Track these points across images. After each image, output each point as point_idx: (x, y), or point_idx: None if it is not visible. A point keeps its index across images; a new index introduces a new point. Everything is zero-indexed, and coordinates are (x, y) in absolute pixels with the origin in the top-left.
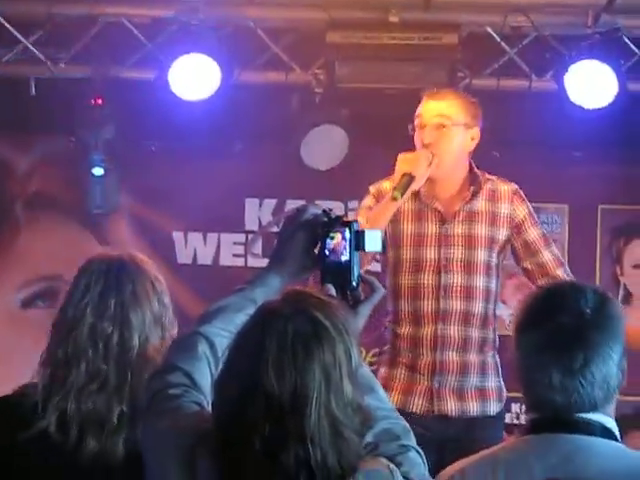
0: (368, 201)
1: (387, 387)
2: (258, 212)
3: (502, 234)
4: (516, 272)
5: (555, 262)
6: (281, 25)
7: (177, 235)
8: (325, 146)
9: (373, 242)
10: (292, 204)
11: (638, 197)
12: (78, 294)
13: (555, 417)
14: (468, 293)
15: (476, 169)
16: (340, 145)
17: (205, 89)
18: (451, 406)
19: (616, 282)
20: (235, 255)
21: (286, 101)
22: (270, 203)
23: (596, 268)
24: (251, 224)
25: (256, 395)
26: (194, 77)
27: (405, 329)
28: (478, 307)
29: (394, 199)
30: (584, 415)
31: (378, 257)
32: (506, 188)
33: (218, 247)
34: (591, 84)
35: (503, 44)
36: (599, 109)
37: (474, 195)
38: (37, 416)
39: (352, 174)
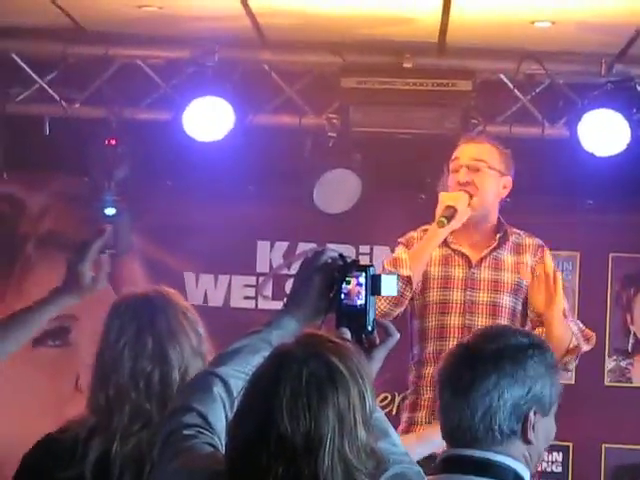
0: (400, 250)
1: (409, 432)
2: (269, 255)
3: (526, 282)
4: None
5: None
6: (295, 69)
7: (188, 276)
8: (338, 190)
9: (389, 286)
10: (304, 247)
11: None
12: (113, 336)
13: (457, 456)
14: None
15: (502, 219)
16: (353, 189)
17: (219, 131)
18: None
19: (626, 331)
20: (246, 297)
21: (299, 144)
22: (282, 246)
23: (606, 316)
24: (262, 266)
25: (270, 437)
26: (208, 119)
27: (429, 369)
28: None
29: (441, 225)
30: (495, 458)
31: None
32: (531, 242)
33: (229, 289)
34: (604, 132)
35: (516, 91)
36: (612, 157)
37: (500, 244)
38: (77, 457)
39: (364, 218)
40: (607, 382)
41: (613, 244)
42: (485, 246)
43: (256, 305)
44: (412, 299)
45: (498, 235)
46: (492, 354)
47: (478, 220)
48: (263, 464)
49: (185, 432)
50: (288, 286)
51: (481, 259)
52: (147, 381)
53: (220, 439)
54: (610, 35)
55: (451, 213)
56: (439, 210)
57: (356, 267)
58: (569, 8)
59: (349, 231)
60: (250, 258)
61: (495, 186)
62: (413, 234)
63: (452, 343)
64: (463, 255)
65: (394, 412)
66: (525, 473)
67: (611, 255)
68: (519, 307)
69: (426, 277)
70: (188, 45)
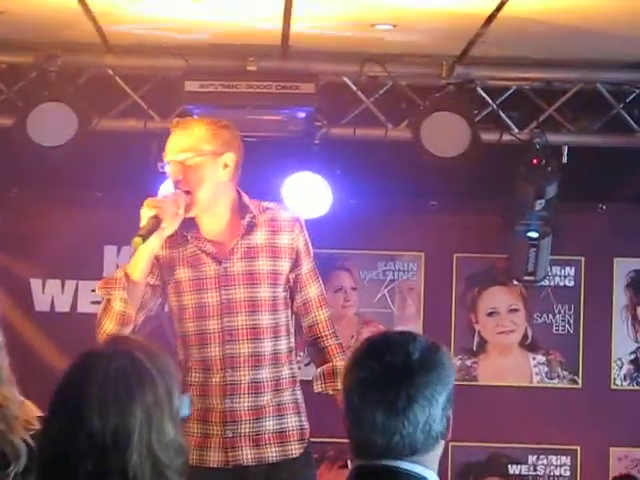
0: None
1: None
2: (116, 259)
3: (285, 266)
4: (373, 320)
5: (319, 301)
6: (140, 73)
7: (35, 282)
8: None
9: None
10: None
11: (492, 246)
12: None
13: (376, 467)
14: (255, 334)
15: (247, 199)
16: None
17: (62, 136)
18: (247, 455)
19: (471, 329)
20: (93, 302)
21: (145, 149)
22: (128, 250)
23: (452, 316)
24: (109, 271)
25: (80, 434)
26: (52, 124)
27: (194, 377)
28: (267, 347)
29: (136, 245)
30: (405, 465)
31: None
32: (286, 216)
33: (76, 294)
34: (445, 134)
35: (359, 93)
36: (453, 158)
37: (250, 228)
38: None
39: None
40: None
41: (457, 245)
42: (232, 235)
43: None
44: (169, 302)
45: (245, 220)
46: (419, 365)
47: (209, 214)
48: (73, 461)
49: None
50: None
51: (230, 251)
52: None
53: None
54: (451, 37)
55: (151, 226)
56: (142, 222)
57: None
58: (409, 10)
59: None
60: (97, 263)
61: (211, 172)
62: None
63: (214, 349)
64: (209, 252)
65: None
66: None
67: (455, 255)
68: (281, 295)
69: (178, 281)
70: (31, 50)
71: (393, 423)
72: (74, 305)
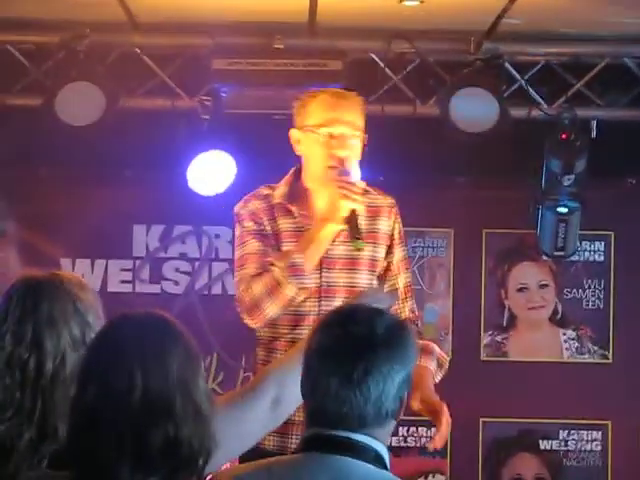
0: (251, 225)
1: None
2: (146, 238)
3: (382, 252)
4: None
5: (405, 291)
6: (167, 51)
7: (64, 262)
8: (211, 172)
9: None
10: (180, 230)
11: (521, 221)
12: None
13: (328, 436)
14: None
15: None
16: (227, 171)
17: (90, 116)
18: None
19: (501, 305)
20: (123, 281)
21: (173, 127)
22: (158, 229)
23: (481, 292)
24: (139, 250)
25: (135, 390)
26: (80, 103)
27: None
28: None
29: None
30: (357, 437)
31: None
32: (384, 202)
33: (106, 273)
34: (473, 110)
35: (387, 70)
36: (482, 134)
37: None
38: None
39: (239, 200)
40: (483, 357)
41: (486, 220)
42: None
43: (133, 289)
44: None
45: None
46: (382, 340)
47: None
48: (122, 404)
49: None
50: (165, 269)
51: (335, 234)
52: (22, 369)
53: None
54: (478, 13)
55: (357, 221)
56: (334, 215)
57: None
58: None
59: (224, 213)
60: (126, 242)
61: (359, 149)
62: (254, 204)
63: (306, 332)
64: None
65: None
66: (386, 453)
67: (484, 231)
68: (374, 283)
69: None
70: (59, 29)
71: (345, 392)
72: (104, 284)
